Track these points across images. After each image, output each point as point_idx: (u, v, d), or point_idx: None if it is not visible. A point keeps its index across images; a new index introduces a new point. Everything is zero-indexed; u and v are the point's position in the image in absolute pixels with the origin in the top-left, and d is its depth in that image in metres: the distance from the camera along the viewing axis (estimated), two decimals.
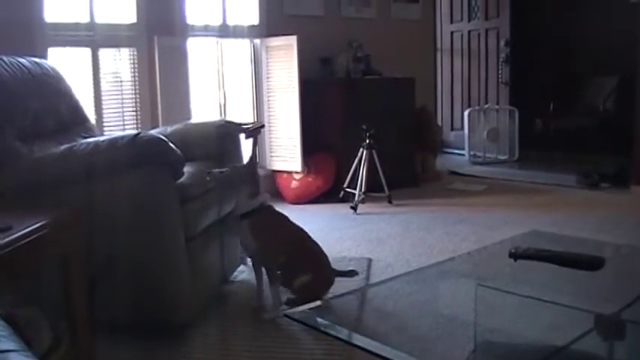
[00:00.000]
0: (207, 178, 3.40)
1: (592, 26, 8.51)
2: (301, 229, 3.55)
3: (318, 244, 3.54)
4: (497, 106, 8.70)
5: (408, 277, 3.81)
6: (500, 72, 8.76)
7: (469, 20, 9.10)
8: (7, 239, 2.27)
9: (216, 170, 3.44)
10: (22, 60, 3.61)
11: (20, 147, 3.20)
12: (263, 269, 3.47)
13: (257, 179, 3.51)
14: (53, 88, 3.78)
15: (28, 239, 2.38)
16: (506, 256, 2.89)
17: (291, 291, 3.42)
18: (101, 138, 3.25)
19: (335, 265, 3.64)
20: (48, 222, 2.54)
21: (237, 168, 3.51)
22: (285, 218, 3.55)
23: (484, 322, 2.79)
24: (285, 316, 2.89)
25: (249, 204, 3.41)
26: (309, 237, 3.54)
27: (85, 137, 3.61)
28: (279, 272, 3.42)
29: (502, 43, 8.67)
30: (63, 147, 3.17)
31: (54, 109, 3.67)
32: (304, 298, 3.31)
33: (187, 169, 3.28)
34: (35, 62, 3.74)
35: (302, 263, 3.42)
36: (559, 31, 8.76)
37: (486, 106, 8.77)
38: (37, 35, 5.00)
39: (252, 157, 3.67)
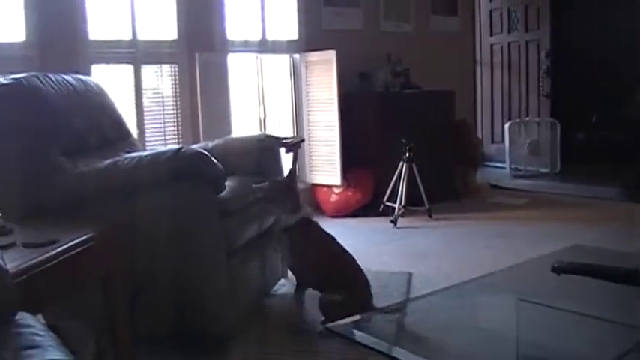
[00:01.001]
0: (253, 187, 3.42)
1: (634, 37, 8.41)
2: (340, 248, 3.49)
3: (358, 264, 3.47)
4: (538, 119, 8.63)
5: (449, 291, 3.78)
6: (540, 84, 8.69)
7: (509, 32, 9.05)
8: (53, 252, 2.31)
9: (257, 186, 3.46)
10: (67, 77, 3.68)
11: (65, 162, 3.25)
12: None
13: (296, 193, 3.51)
14: (97, 104, 3.84)
15: (73, 252, 2.42)
16: (548, 271, 2.85)
17: (320, 307, 3.39)
18: (144, 153, 3.29)
19: (376, 280, 3.63)
20: (92, 236, 2.59)
21: (277, 182, 3.51)
22: (325, 235, 3.51)
23: (526, 337, 2.76)
24: (326, 329, 2.89)
25: (289, 219, 3.42)
26: (349, 256, 3.47)
27: (129, 152, 3.65)
28: (315, 289, 3.44)
29: (543, 54, 8.61)
30: (107, 162, 3.22)
31: (98, 124, 3.73)
32: (335, 317, 3.27)
33: (228, 183, 3.30)
34: (80, 79, 3.81)
35: (336, 282, 3.36)
36: (600, 42, 8.66)
37: (527, 118, 8.70)
38: (81, 52, 5.09)
39: (292, 171, 3.67)
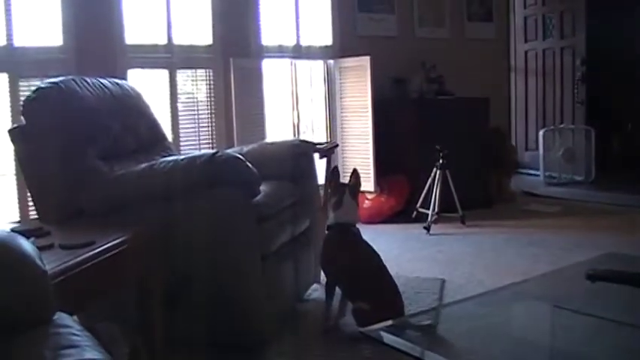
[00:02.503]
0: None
1: None
2: (373, 255, 3.46)
3: (389, 272, 3.44)
4: (572, 126, 8.54)
5: (482, 298, 3.76)
6: (575, 91, 8.61)
7: (544, 39, 8.98)
8: (89, 254, 2.34)
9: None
10: (103, 81, 3.72)
11: (102, 166, 3.29)
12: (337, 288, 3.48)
13: (338, 189, 3.51)
14: (133, 107, 3.88)
15: (109, 254, 2.45)
16: (582, 278, 2.83)
17: (353, 314, 3.36)
18: (180, 157, 3.31)
19: (408, 285, 3.61)
20: (128, 238, 2.61)
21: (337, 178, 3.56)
22: (363, 245, 3.49)
23: (560, 345, 2.74)
24: (360, 333, 2.89)
25: (332, 218, 3.45)
26: (380, 264, 3.44)
27: (164, 156, 3.68)
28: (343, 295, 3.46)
29: (578, 61, 8.53)
30: (143, 165, 3.25)
31: (134, 128, 3.76)
32: (362, 324, 3.25)
33: (263, 187, 3.31)
34: (116, 83, 3.85)
35: (363, 289, 3.35)
36: (636, 48, 8.58)
37: (561, 125, 8.61)
38: (117, 57, 5.16)
39: (333, 171, 3.66)
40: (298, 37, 6.40)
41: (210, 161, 3.09)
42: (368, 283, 3.38)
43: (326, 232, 3.53)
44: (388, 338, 2.58)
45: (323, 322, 3.49)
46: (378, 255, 3.47)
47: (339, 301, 3.49)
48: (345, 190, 3.48)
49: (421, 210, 6.11)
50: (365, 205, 6.35)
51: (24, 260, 1.71)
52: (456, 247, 5.29)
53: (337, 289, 3.48)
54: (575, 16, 8.53)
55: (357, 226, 3.52)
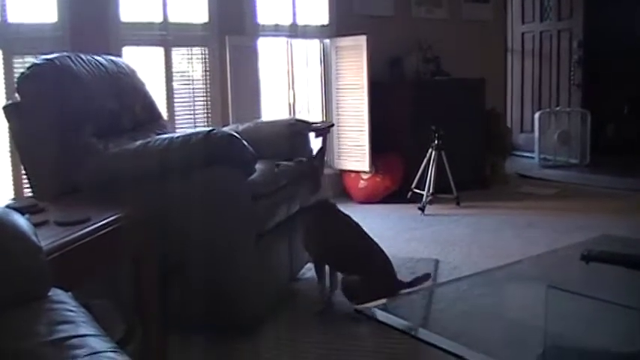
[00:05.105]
0: (276, 170, 3.43)
1: None
2: (357, 229, 3.49)
3: (379, 245, 3.47)
4: (568, 109, 8.54)
5: (476, 278, 3.77)
6: (572, 74, 8.60)
7: (541, 21, 8.96)
8: (85, 230, 2.34)
9: (284, 163, 3.47)
10: (98, 58, 3.70)
11: (97, 143, 3.28)
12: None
13: (318, 175, 3.51)
14: (128, 85, 3.86)
15: (104, 231, 2.44)
16: (577, 260, 2.84)
17: (342, 289, 3.38)
18: (175, 135, 3.30)
19: (403, 266, 3.60)
20: (123, 215, 2.60)
21: (302, 163, 3.53)
22: (341, 217, 3.50)
23: (554, 326, 2.75)
24: (355, 310, 2.90)
25: (308, 199, 3.44)
26: (368, 238, 3.47)
27: (159, 134, 3.67)
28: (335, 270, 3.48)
29: (575, 44, 8.51)
30: (138, 143, 3.24)
31: (129, 105, 3.75)
32: (357, 298, 3.26)
33: (258, 166, 3.31)
34: (111, 60, 3.83)
35: (353, 264, 3.37)
36: (634, 32, 8.56)
37: (557, 108, 8.61)
38: (112, 34, 5.12)
39: (319, 153, 3.66)
40: (294, 15, 6.37)
41: (205, 139, 3.08)
42: (354, 253, 3.41)
43: (301, 212, 3.53)
44: (382, 315, 2.58)
45: (318, 302, 3.50)
46: (358, 224, 3.50)
47: (329, 276, 3.50)
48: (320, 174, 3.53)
49: (416, 191, 6.11)
50: (360, 186, 6.35)
51: (19, 236, 1.71)
52: (451, 228, 5.30)
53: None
54: None
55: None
